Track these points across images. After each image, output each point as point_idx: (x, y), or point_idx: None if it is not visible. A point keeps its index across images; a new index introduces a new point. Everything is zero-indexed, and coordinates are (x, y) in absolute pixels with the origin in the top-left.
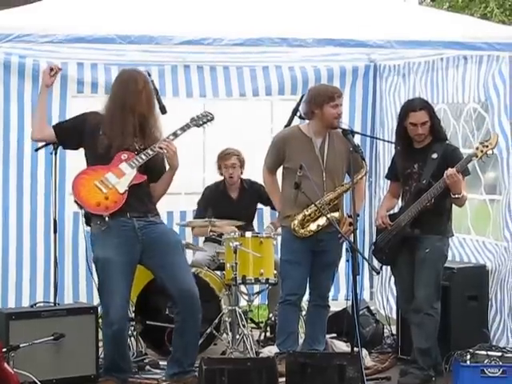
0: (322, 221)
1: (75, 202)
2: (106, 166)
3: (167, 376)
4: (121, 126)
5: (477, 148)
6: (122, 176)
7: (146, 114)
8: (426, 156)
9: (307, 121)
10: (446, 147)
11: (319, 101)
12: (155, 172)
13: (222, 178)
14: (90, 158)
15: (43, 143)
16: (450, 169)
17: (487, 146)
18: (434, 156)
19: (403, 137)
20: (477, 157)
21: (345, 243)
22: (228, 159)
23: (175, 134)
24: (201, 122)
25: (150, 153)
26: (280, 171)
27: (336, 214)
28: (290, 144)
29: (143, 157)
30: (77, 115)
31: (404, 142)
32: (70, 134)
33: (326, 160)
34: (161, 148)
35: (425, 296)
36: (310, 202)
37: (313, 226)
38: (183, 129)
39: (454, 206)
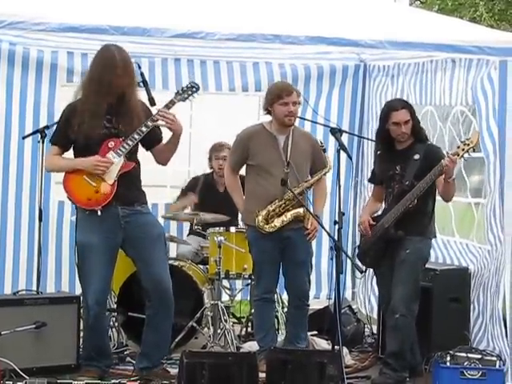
0: (286, 217)
1: (68, 198)
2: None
3: (137, 369)
4: (94, 114)
5: (458, 147)
6: (110, 166)
7: (127, 94)
8: (408, 157)
9: None
10: (428, 147)
11: (269, 99)
12: (153, 143)
13: (211, 170)
14: (76, 150)
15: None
16: (449, 155)
17: (468, 145)
18: (416, 157)
19: (385, 139)
20: (458, 155)
21: (328, 241)
22: (220, 151)
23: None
24: (186, 96)
25: (136, 137)
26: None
27: (300, 210)
28: (254, 141)
29: (129, 142)
30: (60, 118)
31: (385, 145)
32: (67, 139)
33: (289, 157)
34: (156, 120)
35: (401, 297)
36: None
37: (277, 222)
38: (168, 106)
39: (438, 208)
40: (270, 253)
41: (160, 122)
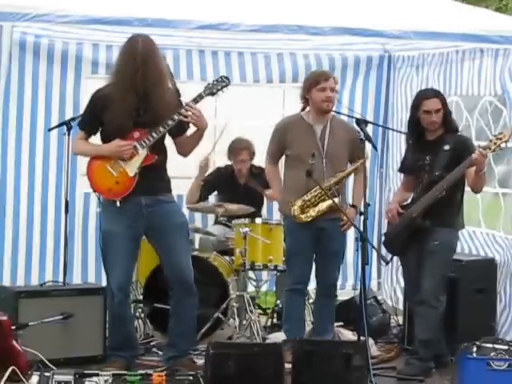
0: (321, 206)
1: (90, 185)
2: None
3: (164, 360)
4: (121, 105)
5: (490, 140)
6: (133, 157)
7: (151, 86)
8: (438, 148)
9: None
10: (458, 138)
11: (307, 86)
12: (177, 133)
13: (231, 162)
14: (103, 138)
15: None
16: (479, 149)
17: (501, 139)
18: (446, 147)
19: (416, 128)
20: (490, 149)
21: (354, 232)
22: (239, 154)
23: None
24: (215, 90)
25: (161, 130)
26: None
27: (336, 200)
28: (291, 131)
29: (154, 135)
30: (89, 104)
31: (416, 134)
32: (94, 124)
33: (326, 147)
34: (182, 115)
35: (431, 288)
36: (316, 187)
37: (312, 212)
38: (196, 100)
39: (465, 198)
40: (304, 244)
41: (187, 119)
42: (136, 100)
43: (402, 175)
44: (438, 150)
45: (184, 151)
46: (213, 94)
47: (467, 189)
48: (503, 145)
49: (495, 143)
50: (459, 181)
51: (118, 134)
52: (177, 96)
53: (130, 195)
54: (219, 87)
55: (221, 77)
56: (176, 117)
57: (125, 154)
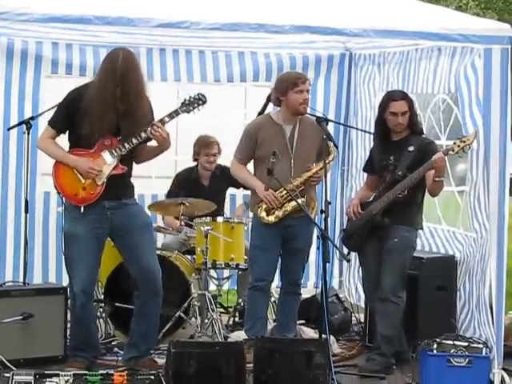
0: (288, 207)
1: (54, 186)
2: (88, 151)
3: (124, 360)
4: (99, 122)
5: (454, 143)
6: (103, 165)
7: (130, 102)
8: (403, 148)
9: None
10: (422, 140)
11: (283, 87)
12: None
13: (195, 164)
14: (73, 139)
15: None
16: (438, 153)
17: (464, 142)
18: (411, 148)
19: (382, 129)
20: (453, 151)
21: (316, 230)
22: (212, 147)
23: (162, 122)
24: (191, 108)
25: (134, 141)
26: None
27: (299, 201)
28: (261, 132)
29: (126, 146)
30: (64, 103)
31: (382, 134)
32: (66, 124)
33: (295, 147)
34: (152, 134)
35: (390, 285)
36: (280, 189)
37: (279, 213)
38: (171, 116)
39: (425, 198)
40: (268, 240)
41: (154, 136)
42: (114, 119)
43: (366, 174)
44: (403, 151)
45: (139, 160)
46: (189, 111)
47: None
48: (467, 149)
49: (459, 146)
50: (420, 182)
51: (90, 140)
52: (151, 110)
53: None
54: (195, 105)
55: (198, 94)
56: (149, 130)
57: (90, 176)
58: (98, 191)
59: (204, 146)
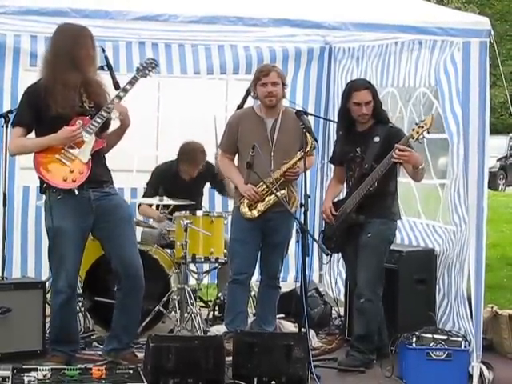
0: (269, 200)
1: (41, 179)
2: None
3: (105, 352)
4: (64, 91)
5: (413, 129)
6: (82, 144)
7: (93, 69)
8: (369, 139)
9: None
10: (389, 129)
11: (252, 81)
12: (103, 130)
13: (175, 158)
14: (42, 129)
15: None
16: (396, 146)
17: (422, 127)
18: (376, 139)
19: (346, 119)
20: (413, 138)
21: (295, 224)
22: (197, 165)
23: (125, 90)
24: (147, 72)
25: (105, 114)
26: None
27: (279, 194)
28: (243, 124)
29: (98, 120)
30: (23, 99)
31: (346, 125)
32: (32, 117)
33: (275, 140)
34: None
35: (366, 281)
36: (260, 182)
37: (261, 207)
38: (131, 82)
39: (402, 189)
40: (248, 233)
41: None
42: (79, 79)
43: (333, 166)
44: (369, 142)
45: (108, 148)
46: (145, 75)
47: (405, 179)
48: (426, 133)
49: (417, 132)
50: (391, 171)
51: (60, 123)
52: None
53: (80, 187)
54: (150, 68)
55: (148, 59)
56: (115, 100)
57: (77, 138)
58: (87, 169)
59: (188, 161)
